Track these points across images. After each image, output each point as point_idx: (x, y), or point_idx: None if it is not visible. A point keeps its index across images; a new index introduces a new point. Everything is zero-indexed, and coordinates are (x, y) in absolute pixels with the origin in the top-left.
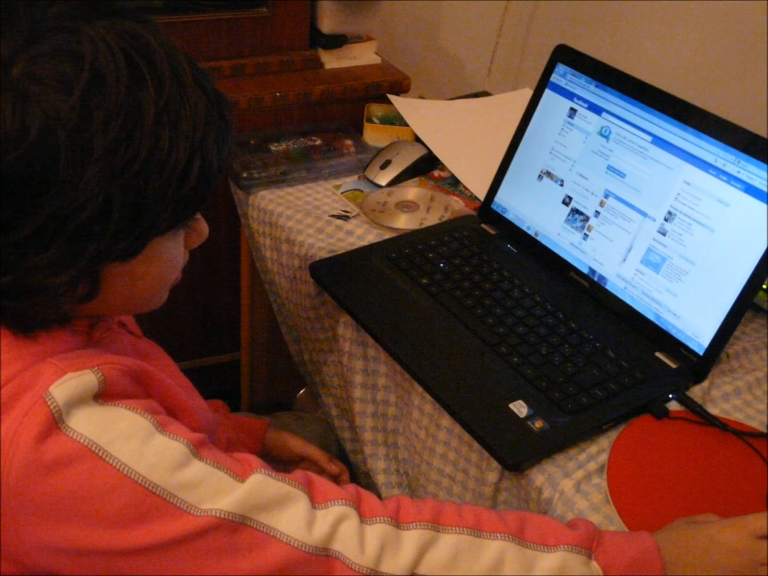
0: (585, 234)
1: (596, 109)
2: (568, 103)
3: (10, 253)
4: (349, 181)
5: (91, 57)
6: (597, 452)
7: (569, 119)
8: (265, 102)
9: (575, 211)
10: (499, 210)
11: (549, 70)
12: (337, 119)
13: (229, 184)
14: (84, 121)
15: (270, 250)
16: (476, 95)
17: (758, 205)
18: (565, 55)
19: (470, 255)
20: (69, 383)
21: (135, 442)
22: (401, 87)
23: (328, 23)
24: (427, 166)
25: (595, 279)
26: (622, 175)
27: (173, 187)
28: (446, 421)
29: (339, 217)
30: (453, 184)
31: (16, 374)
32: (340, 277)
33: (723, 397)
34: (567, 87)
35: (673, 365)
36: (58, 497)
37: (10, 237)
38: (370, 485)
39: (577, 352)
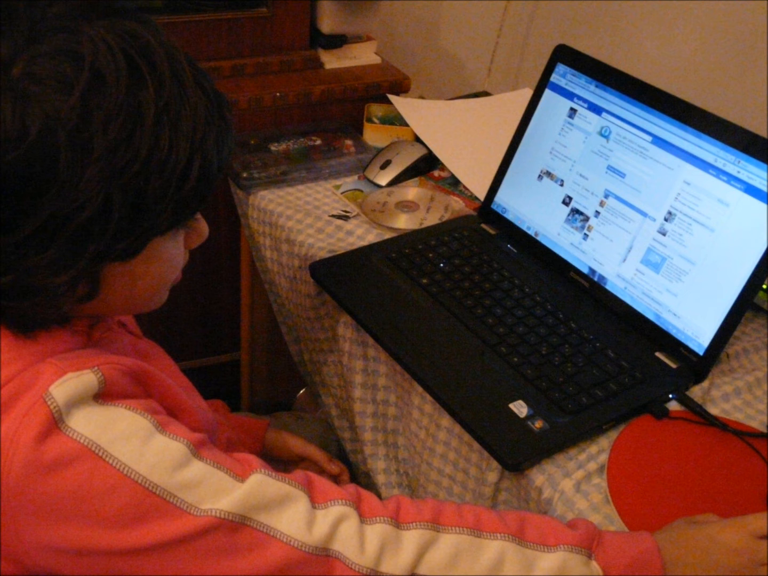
0: (585, 234)
1: (596, 109)
2: (568, 103)
3: (10, 253)
4: (349, 181)
5: (91, 57)
6: (597, 452)
7: (569, 119)
8: (265, 102)
9: (575, 211)
10: (499, 210)
11: (549, 70)
12: (337, 119)
13: (229, 184)
14: (84, 121)
15: (270, 250)
16: (476, 95)
17: (758, 205)
18: (565, 55)
19: (470, 255)
20: (69, 383)
21: (135, 442)
22: (401, 87)
23: (328, 23)
24: (427, 166)
25: (595, 279)
26: (622, 175)
27: (173, 187)
28: (446, 421)
29: (339, 217)
30: (453, 184)
31: (16, 374)
32: (340, 277)
33: (723, 397)
34: (567, 87)
35: (673, 365)
36: (58, 497)
37: (10, 237)
38: (370, 485)
39: (577, 352)
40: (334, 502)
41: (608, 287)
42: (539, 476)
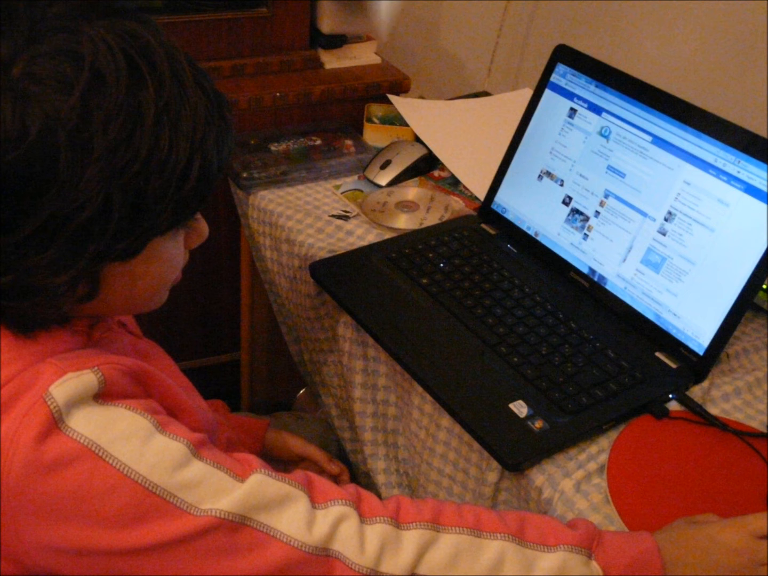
0: (585, 234)
1: (596, 109)
2: (568, 103)
3: (10, 253)
4: (349, 181)
5: (91, 57)
6: (597, 452)
7: (569, 119)
8: (265, 102)
9: (575, 211)
10: (499, 210)
11: (549, 70)
12: (337, 119)
13: (229, 184)
14: (84, 121)
15: (270, 250)
16: (476, 95)
17: (758, 205)
18: (565, 55)
19: (470, 255)
20: (69, 383)
21: (135, 442)
22: (401, 87)
23: (328, 23)
24: (427, 166)
25: (595, 279)
26: (622, 175)
27: (173, 187)
28: (446, 421)
29: (339, 217)
30: (453, 184)
31: (16, 374)
32: (340, 277)
33: (723, 397)
34: (567, 87)
35: (673, 365)
36: (58, 497)
37: (10, 237)
38: (370, 485)
39: (577, 352)
40: (334, 502)
41: (608, 287)
42: (539, 476)
